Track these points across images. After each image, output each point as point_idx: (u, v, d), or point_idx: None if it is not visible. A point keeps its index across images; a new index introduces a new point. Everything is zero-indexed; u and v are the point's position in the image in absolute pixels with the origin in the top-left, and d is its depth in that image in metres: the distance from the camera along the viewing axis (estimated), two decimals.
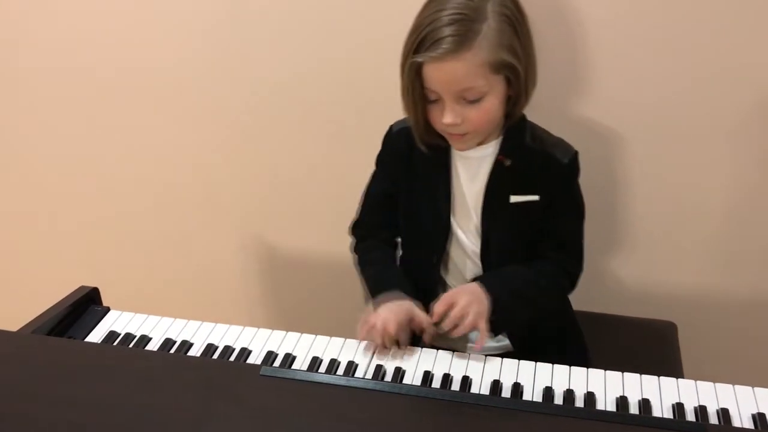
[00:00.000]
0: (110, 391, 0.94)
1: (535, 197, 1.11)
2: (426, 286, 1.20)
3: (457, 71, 0.98)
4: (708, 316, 1.51)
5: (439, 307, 1.05)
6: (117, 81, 1.61)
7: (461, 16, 0.97)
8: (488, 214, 1.13)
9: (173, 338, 1.11)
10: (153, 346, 1.10)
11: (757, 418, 0.92)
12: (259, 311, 1.82)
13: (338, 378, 0.98)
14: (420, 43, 0.99)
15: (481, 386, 1.00)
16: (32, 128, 1.73)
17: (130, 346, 1.09)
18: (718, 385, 0.98)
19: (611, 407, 0.95)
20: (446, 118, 1.02)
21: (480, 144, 1.11)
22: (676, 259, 1.48)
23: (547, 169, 1.11)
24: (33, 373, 0.98)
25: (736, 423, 0.92)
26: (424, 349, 1.07)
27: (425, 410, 0.91)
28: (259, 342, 1.10)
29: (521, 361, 1.03)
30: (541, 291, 1.13)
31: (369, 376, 1.02)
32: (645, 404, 0.95)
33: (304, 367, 1.04)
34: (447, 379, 1.01)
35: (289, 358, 1.05)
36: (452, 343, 1.11)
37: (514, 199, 1.11)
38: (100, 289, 1.20)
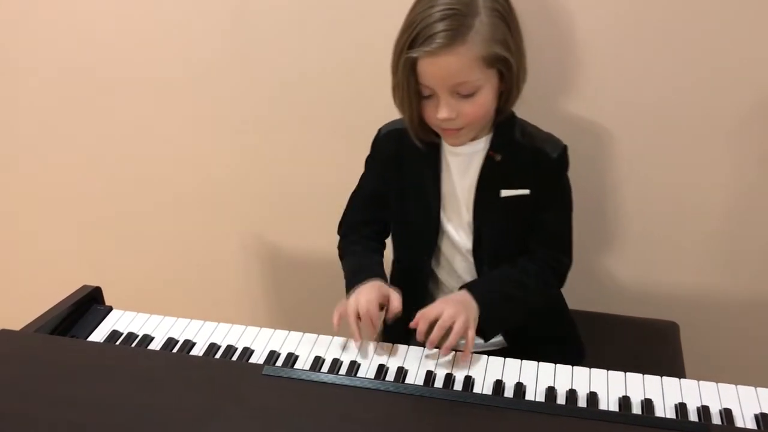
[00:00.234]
0: (113, 390, 0.94)
1: (526, 191, 1.13)
2: (419, 283, 1.21)
3: (451, 65, 0.99)
4: (710, 315, 1.51)
5: (421, 324, 1.03)
6: (118, 81, 1.61)
7: (453, 11, 0.98)
8: (479, 210, 1.14)
9: (176, 338, 1.11)
10: (155, 345, 1.10)
11: (760, 418, 0.92)
12: (262, 310, 1.83)
13: (341, 378, 0.98)
14: (414, 39, 0.99)
15: (483, 386, 1.00)
16: (33, 128, 1.73)
17: (133, 345, 1.09)
18: (720, 385, 0.98)
19: (614, 407, 0.95)
20: (441, 113, 1.03)
21: (471, 140, 1.12)
22: (678, 258, 1.48)
23: (537, 163, 1.12)
24: (36, 372, 0.98)
25: (739, 423, 0.92)
26: (426, 349, 1.07)
27: (428, 410, 0.91)
28: (261, 341, 1.10)
29: (524, 361, 1.03)
30: (528, 291, 1.14)
31: (371, 375, 1.02)
32: (647, 404, 0.95)
33: (307, 366, 1.04)
34: (449, 378, 1.01)
35: (291, 358, 1.05)
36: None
37: (504, 193, 1.12)
38: (103, 289, 1.20)
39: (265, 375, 0.96)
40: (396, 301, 1.09)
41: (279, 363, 1.05)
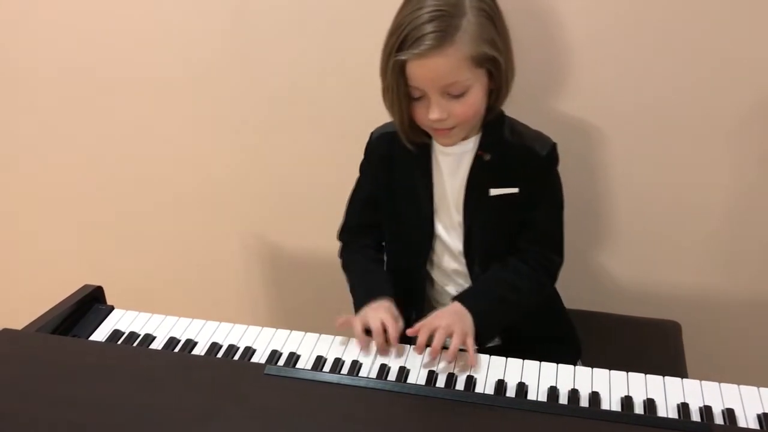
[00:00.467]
0: (114, 390, 0.94)
1: (515, 189, 1.13)
2: (412, 283, 1.21)
3: (440, 66, 1.00)
4: (712, 315, 1.51)
5: (421, 337, 1.04)
6: (118, 81, 1.61)
7: (441, 12, 0.98)
8: (469, 209, 1.14)
9: (177, 337, 1.11)
10: (157, 344, 1.10)
11: (763, 418, 0.92)
12: (263, 310, 1.83)
13: (342, 377, 0.98)
14: (402, 41, 1.00)
15: (485, 386, 0.99)
16: (33, 128, 1.73)
17: (134, 344, 1.09)
18: (723, 385, 0.98)
19: (616, 407, 0.95)
20: (432, 114, 1.04)
21: (461, 140, 1.13)
22: (680, 258, 1.48)
23: (526, 161, 1.13)
24: (37, 371, 0.98)
25: (742, 423, 0.92)
26: (427, 348, 1.07)
27: (429, 410, 0.91)
28: (263, 341, 1.10)
29: (526, 361, 1.03)
30: (521, 293, 1.14)
31: (373, 375, 1.02)
32: (650, 404, 0.95)
33: (309, 366, 1.04)
34: (451, 378, 1.01)
35: (293, 357, 1.05)
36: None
37: (493, 192, 1.13)
38: (104, 288, 1.20)
39: (266, 375, 0.96)
40: (400, 325, 1.09)
41: (281, 363, 1.05)
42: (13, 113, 1.73)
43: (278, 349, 1.08)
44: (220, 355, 1.07)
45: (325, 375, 0.98)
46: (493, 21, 1.03)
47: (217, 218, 1.72)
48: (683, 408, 0.94)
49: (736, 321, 1.51)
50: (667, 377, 0.99)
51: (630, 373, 1.00)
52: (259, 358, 1.06)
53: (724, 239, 1.44)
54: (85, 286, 1.19)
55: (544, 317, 1.24)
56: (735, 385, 0.97)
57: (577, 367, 1.02)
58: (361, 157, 1.24)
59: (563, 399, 0.97)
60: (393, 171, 1.18)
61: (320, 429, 0.88)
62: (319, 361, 1.05)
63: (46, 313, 1.11)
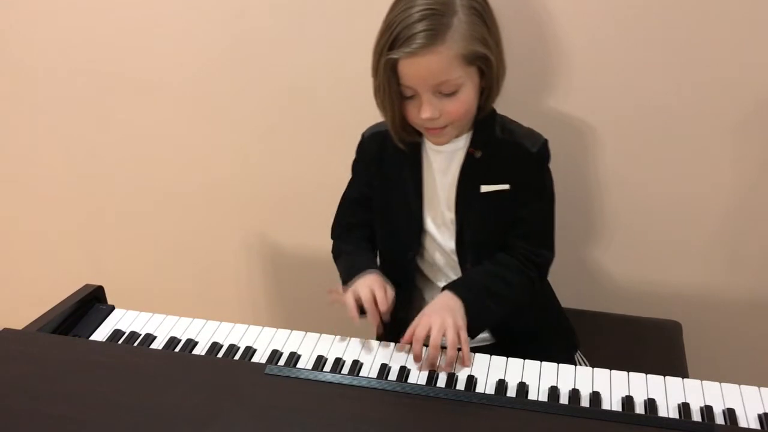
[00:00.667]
0: (115, 389, 0.94)
1: (506, 186, 1.13)
2: (405, 280, 1.21)
3: (432, 65, 1.00)
4: (713, 315, 1.50)
5: (415, 348, 1.03)
6: (119, 81, 1.61)
7: (431, 11, 0.99)
8: (461, 207, 1.15)
9: (178, 337, 1.11)
10: (158, 344, 1.10)
11: (764, 418, 0.92)
12: (264, 310, 1.83)
13: (343, 377, 0.98)
14: (393, 40, 1.00)
15: (486, 386, 0.99)
16: (33, 128, 1.73)
17: (135, 344, 1.09)
18: (724, 385, 0.98)
19: (617, 407, 0.95)
20: (424, 113, 1.04)
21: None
22: (681, 258, 1.48)
23: (517, 158, 1.13)
24: (38, 371, 0.98)
25: (743, 423, 0.92)
26: (427, 348, 1.07)
27: (430, 409, 0.91)
28: (263, 341, 1.10)
29: (527, 361, 1.03)
30: (511, 286, 1.14)
31: (374, 375, 1.02)
32: (651, 404, 0.95)
33: (309, 365, 1.04)
34: (452, 378, 1.01)
35: (293, 357, 1.05)
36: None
37: (484, 188, 1.13)
38: (105, 288, 1.20)
39: (267, 374, 0.96)
40: (391, 294, 1.11)
41: (281, 362, 1.05)
42: (13, 113, 1.73)
43: (279, 348, 1.07)
44: (220, 355, 1.07)
45: (326, 375, 0.98)
46: (483, 19, 1.03)
47: (217, 218, 1.72)
48: (684, 408, 0.94)
49: (736, 321, 1.50)
50: (668, 377, 0.99)
51: (631, 373, 1.00)
52: (260, 358, 1.06)
53: (725, 239, 1.43)
54: (86, 286, 1.19)
55: (537, 312, 1.24)
56: (736, 385, 0.97)
57: (577, 367, 1.02)
58: None
59: (564, 399, 0.96)
60: (384, 170, 1.19)
61: (320, 429, 0.88)
62: (320, 361, 1.05)
63: (46, 313, 1.11)
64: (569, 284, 1.42)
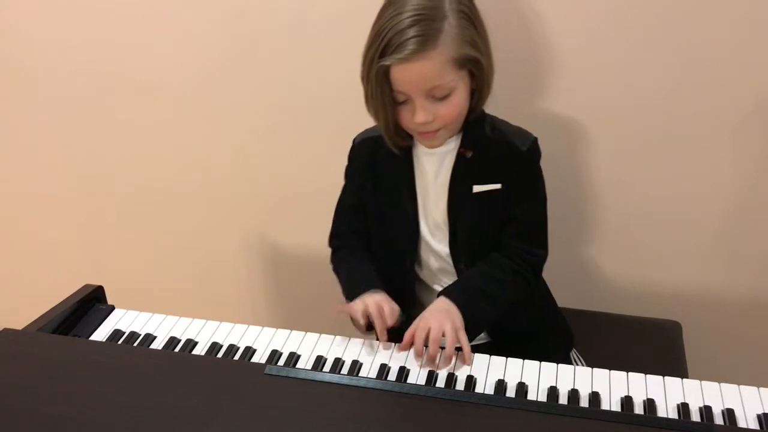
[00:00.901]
0: (114, 389, 0.94)
1: (498, 186, 1.13)
2: (402, 287, 1.21)
3: (424, 70, 1.01)
4: (712, 315, 1.51)
5: (417, 345, 1.04)
6: (119, 81, 1.61)
7: (421, 16, 0.99)
8: (453, 207, 1.15)
9: (178, 337, 1.11)
10: (157, 344, 1.10)
11: (763, 418, 0.92)
12: (264, 310, 1.83)
13: (342, 377, 0.98)
14: (385, 47, 1.00)
15: (485, 386, 0.99)
16: (34, 128, 1.73)
17: (135, 344, 1.09)
18: (723, 385, 0.98)
19: (616, 407, 0.95)
20: (418, 118, 1.04)
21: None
22: (681, 258, 1.48)
23: (508, 157, 1.13)
24: (38, 371, 0.98)
25: (742, 423, 0.92)
26: (428, 348, 1.07)
27: (429, 409, 0.91)
28: (263, 341, 1.10)
29: (526, 361, 1.03)
30: (504, 286, 1.14)
31: (373, 375, 1.02)
32: (650, 404, 0.95)
33: (309, 366, 1.04)
34: (451, 378, 1.01)
35: (293, 357, 1.05)
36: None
37: (477, 188, 1.13)
38: (105, 288, 1.20)
39: (267, 374, 0.96)
40: (397, 312, 1.11)
41: (281, 362, 1.05)
42: (13, 113, 1.73)
43: (278, 349, 1.08)
44: (220, 355, 1.07)
45: (325, 375, 0.98)
46: (472, 22, 1.04)
47: (217, 218, 1.72)
48: (683, 408, 0.94)
49: (736, 321, 1.50)
50: (667, 377, 0.99)
51: (630, 373, 1.00)
52: (260, 358, 1.06)
53: (724, 239, 1.43)
54: (86, 286, 1.19)
55: (533, 311, 1.24)
56: (735, 385, 0.97)
57: (577, 367, 1.02)
58: None
59: (563, 399, 0.97)
60: (377, 175, 1.19)
61: (320, 429, 0.88)
62: (319, 361, 1.05)
63: (46, 313, 1.11)
64: (569, 284, 1.42)
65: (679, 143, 1.37)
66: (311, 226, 1.65)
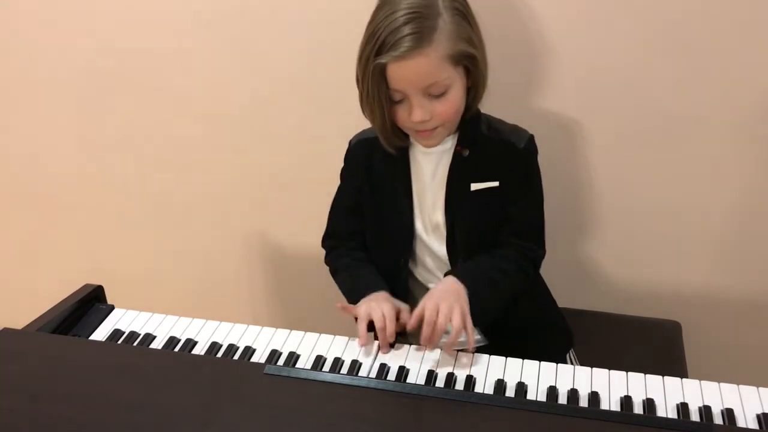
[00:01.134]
0: (114, 389, 0.94)
1: (495, 183, 1.13)
2: (398, 286, 1.21)
3: (420, 67, 1.01)
4: (712, 315, 1.51)
5: (426, 329, 1.04)
6: (119, 81, 1.61)
7: (416, 14, 1.00)
8: (451, 206, 1.15)
9: (177, 336, 1.11)
10: (157, 344, 1.10)
11: (762, 418, 0.92)
12: (263, 310, 1.83)
13: (342, 377, 0.98)
14: (381, 45, 1.01)
15: (485, 386, 1.00)
16: (34, 128, 1.73)
17: (135, 344, 1.10)
18: (722, 385, 0.98)
19: (615, 407, 0.95)
20: (415, 116, 1.05)
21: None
22: (681, 258, 1.48)
23: (505, 155, 1.14)
24: (37, 370, 0.98)
25: (741, 423, 0.92)
26: (427, 348, 1.07)
27: (429, 409, 0.91)
28: (263, 340, 1.10)
29: (525, 361, 1.03)
30: (508, 276, 1.14)
31: (373, 375, 1.02)
32: (649, 404, 0.95)
33: (308, 365, 1.04)
34: (451, 378, 1.01)
35: (293, 357, 1.05)
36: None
37: (474, 186, 1.13)
38: (105, 288, 1.21)
39: (266, 374, 0.96)
40: (406, 314, 1.10)
41: (280, 362, 1.05)
42: (13, 113, 1.73)
43: (278, 348, 1.08)
44: (219, 354, 1.07)
45: (325, 375, 0.98)
46: (467, 19, 1.04)
47: (217, 218, 1.72)
48: (683, 408, 0.94)
49: (736, 321, 1.50)
50: (666, 377, 0.99)
51: (629, 373, 1.00)
52: (259, 357, 1.07)
53: (725, 239, 1.43)
54: (86, 286, 1.19)
55: (533, 310, 1.25)
56: (734, 385, 0.97)
57: (576, 366, 1.02)
58: None
59: (563, 399, 0.97)
60: (373, 176, 1.19)
61: (319, 428, 0.88)
62: (319, 361, 1.05)
63: (46, 313, 1.11)
64: (569, 284, 1.42)
65: (679, 143, 1.37)
66: (311, 226, 1.64)
